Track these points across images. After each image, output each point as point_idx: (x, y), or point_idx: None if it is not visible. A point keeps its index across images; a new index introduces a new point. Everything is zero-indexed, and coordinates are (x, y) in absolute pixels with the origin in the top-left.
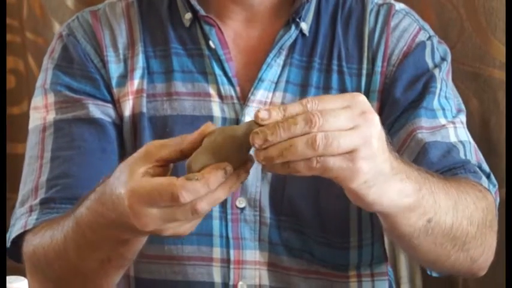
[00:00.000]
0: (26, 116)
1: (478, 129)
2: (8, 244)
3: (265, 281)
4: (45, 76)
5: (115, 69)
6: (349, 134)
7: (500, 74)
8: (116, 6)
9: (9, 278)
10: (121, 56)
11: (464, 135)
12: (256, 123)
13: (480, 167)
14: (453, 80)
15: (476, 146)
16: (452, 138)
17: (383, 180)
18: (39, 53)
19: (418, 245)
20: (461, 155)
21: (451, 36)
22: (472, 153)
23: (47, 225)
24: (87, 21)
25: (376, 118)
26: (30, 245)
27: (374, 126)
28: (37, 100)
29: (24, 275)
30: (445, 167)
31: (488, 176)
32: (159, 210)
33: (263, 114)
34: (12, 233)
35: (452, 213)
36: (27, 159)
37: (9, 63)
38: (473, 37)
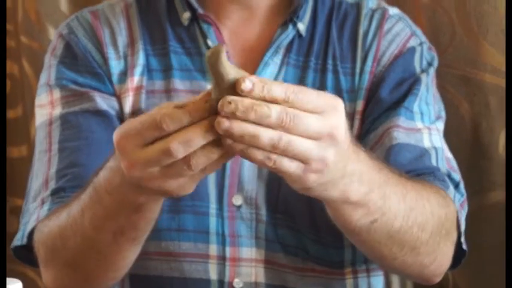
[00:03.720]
0: (21, 120)
1: (469, 133)
2: (24, 240)
3: (261, 278)
4: (48, 73)
5: (115, 66)
6: (309, 145)
7: (491, 78)
8: (115, 6)
9: None
10: (121, 54)
11: (439, 141)
12: (236, 86)
13: (449, 176)
14: (444, 84)
15: (449, 155)
16: (426, 144)
17: (331, 184)
18: (34, 57)
19: (360, 240)
20: (433, 161)
21: (443, 41)
22: (444, 161)
23: (63, 206)
24: (86, 20)
25: (341, 135)
26: (43, 229)
27: (336, 145)
28: (42, 98)
29: (18, 278)
30: (415, 171)
31: (456, 186)
32: (146, 152)
33: (246, 86)
34: (27, 226)
35: (402, 218)
36: (37, 155)
37: None
38: (465, 41)
